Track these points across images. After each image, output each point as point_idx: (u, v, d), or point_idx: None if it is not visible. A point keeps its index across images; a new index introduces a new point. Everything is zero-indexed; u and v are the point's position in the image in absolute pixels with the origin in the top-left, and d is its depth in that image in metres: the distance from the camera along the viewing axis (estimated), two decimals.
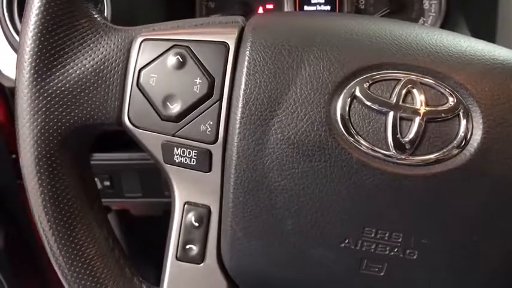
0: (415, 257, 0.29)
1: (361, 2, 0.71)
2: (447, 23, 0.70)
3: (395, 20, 0.32)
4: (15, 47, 0.55)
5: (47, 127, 0.29)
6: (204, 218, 0.31)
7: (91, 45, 0.30)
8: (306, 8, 0.71)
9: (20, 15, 0.55)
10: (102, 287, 0.31)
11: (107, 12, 0.54)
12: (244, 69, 0.28)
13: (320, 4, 0.71)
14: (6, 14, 0.53)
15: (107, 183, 0.69)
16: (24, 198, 1.00)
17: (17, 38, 0.54)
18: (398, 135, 0.27)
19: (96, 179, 0.67)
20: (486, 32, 0.61)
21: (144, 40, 0.30)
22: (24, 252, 0.88)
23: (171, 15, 0.65)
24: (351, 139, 0.28)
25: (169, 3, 0.65)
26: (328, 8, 0.70)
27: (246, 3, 0.71)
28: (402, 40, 0.29)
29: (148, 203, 0.70)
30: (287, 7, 0.70)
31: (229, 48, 0.29)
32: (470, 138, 0.27)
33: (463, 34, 0.66)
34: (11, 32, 0.53)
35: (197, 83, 0.28)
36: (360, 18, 0.31)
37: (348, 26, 0.30)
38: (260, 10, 0.72)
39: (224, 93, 0.29)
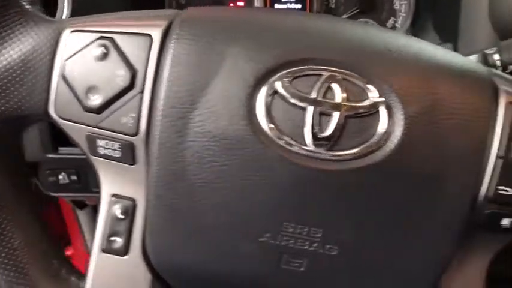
0: (335, 253, 0.28)
1: (332, 1, 0.71)
2: (416, 23, 0.70)
3: (327, 15, 0.32)
4: None
5: None
6: (129, 211, 0.31)
7: (19, 35, 0.29)
8: (276, 6, 0.71)
9: None
10: (26, 277, 0.31)
11: (67, 9, 0.54)
12: (168, 62, 0.28)
13: (291, 2, 0.71)
14: None
15: (74, 177, 0.69)
16: None
17: None
18: (317, 131, 0.27)
19: (63, 173, 0.66)
20: (450, 33, 0.61)
21: (73, 31, 0.29)
22: None
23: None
24: (271, 134, 0.27)
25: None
26: (298, 6, 0.70)
27: (218, 0, 0.71)
28: (326, 35, 0.29)
29: None
30: (257, 4, 0.70)
31: (153, 41, 0.29)
32: (390, 134, 0.27)
33: (430, 35, 0.67)
34: None
35: (119, 74, 0.28)
36: (290, 14, 0.31)
37: (274, 21, 0.29)
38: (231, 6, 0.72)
39: (146, 85, 0.28)
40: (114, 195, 0.31)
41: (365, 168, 0.27)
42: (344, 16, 0.70)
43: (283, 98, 0.27)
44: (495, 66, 0.43)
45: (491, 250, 0.31)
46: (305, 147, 0.27)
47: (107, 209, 0.31)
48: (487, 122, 0.28)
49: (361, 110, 0.27)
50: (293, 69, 0.28)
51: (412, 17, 0.69)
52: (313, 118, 0.27)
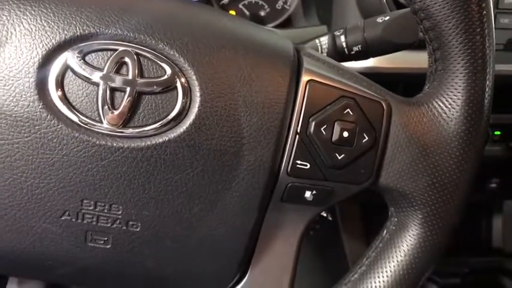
0: (138, 229, 0.29)
1: None
2: (304, 4, 0.71)
3: None
4: None
5: None
6: None
7: None
8: None
9: None
10: None
11: None
12: None
13: None
14: None
15: None
16: None
17: None
18: (108, 107, 0.27)
19: None
20: (327, 15, 0.63)
21: None
22: None
23: None
24: (64, 110, 0.27)
25: None
26: None
27: None
28: (120, 8, 0.28)
29: None
30: None
31: None
32: (188, 111, 0.28)
33: (313, 17, 0.68)
34: None
35: None
36: None
37: None
38: None
39: None
40: None
41: (162, 144, 0.27)
42: None
43: (75, 72, 0.27)
44: (342, 48, 0.45)
45: (301, 220, 0.32)
46: (99, 124, 0.27)
47: None
48: (287, 99, 0.29)
49: (155, 87, 0.27)
50: (86, 43, 0.27)
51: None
52: (104, 94, 0.27)
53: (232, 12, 0.71)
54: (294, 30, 0.62)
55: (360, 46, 0.43)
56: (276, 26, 0.71)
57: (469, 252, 0.91)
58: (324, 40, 0.45)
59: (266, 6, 0.71)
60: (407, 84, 0.57)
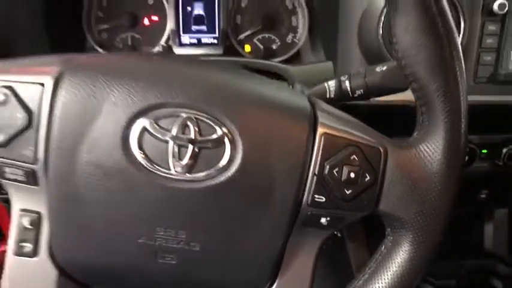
0: (197, 248, 0.38)
1: (238, 17, 0.79)
2: (312, 36, 0.80)
3: (194, 60, 0.40)
4: None
5: None
6: (35, 222, 0.38)
7: None
8: (187, 20, 0.78)
9: None
10: None
11: None
12: (59, 105, 0.35)
13: (200, 17, 0.78)
14: None
15: None
16: None
17: None
18: (176, 159, 0.36)
19: None
20: (332, 53, 0.72)
21: None
22: None
23: (54, 24, 0.69)
24: (142, 162, 0.36)
25: (52, 12, 0.69)
26: (207, 21, 0.78)
27: (134, 14, 0.77)
28: (184, 83, 0.37)
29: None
30: (169, 19, 0.77)
31: (45, 87, 0.36)
32: (233, 160, 0.36)
33: (320, 52, 0.77)
34: None
35: (18, 116, 0.35)
36: (157, 61, 0.39)
37: (143, 70, 0.37)
38: (146, 21, 0.78)
39: (41, 124, 0.35)
40: (22, 210, 0.38)
41: (214, 186, 0.36)
42: (248, 32, 0.79)
43: (150, 133, 0.36)
44: (347, 91, 0.54)
45: (317, 240, 0.41)
46: (169, 172, 0.36)
47: (17, 221, 0.38)
48: (307, 148, 0.38)
49: (210, 143, 0.36)
50: (159, 110, 0.36)
51: (308, 34, 0.80)
52: (173, 150, 0.36)
53: (248, 47, 0.80)
54: (304, 67, 0.71)
55: (362, 90, 0.52)
56: (287, 59, 0.80)
57: (464, 255, 1.00)
58: (332, 84, 0.54)
59: (277, 41, 0.80)
60: None
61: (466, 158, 0.75)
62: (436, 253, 0.41)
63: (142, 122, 0.36)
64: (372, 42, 0.62)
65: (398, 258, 0.40)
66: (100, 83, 0.36)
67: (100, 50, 0.77)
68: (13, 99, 0.35)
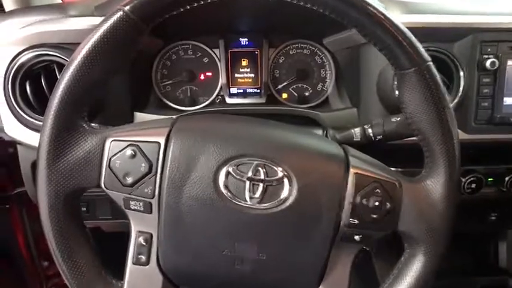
0: (265, 258, 0.52)
1: (276, 72, 0.96)
2: (339, 86, 0.95)
3: (266, 121, 0.56)
4: (16, 116, 0.76)
5: (56, 190, 0.51)
6: (148, 240, 0.53)
7: (81, 143, 0.51)
8: (236, 75, 0.95)
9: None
10: (89, 283, 0.52)
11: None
12: (169, 157, 0.51)
13: (247, 73, 0.95)
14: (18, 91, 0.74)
15: (84, 209, 0.91)
16: (10, 219, 1.22)
17: (20, 111, 0.74)
18: (251, 193, 0.51)
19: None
20: (356, 100, 0.87)
21: (112, 140, 0.52)
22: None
23: (133, 82, 0.86)
24: (227, 195, 0.51)
25: (132, 74, 0.86)
26: (252, 75, 0.95)
27: (191, 71, 0.94)
28: (255, 139, 0.52)
29: (116, 223, 0.93)
30: (221, 75, 0.94)
31: (160, 145, 0.52)
32: (291, 194, 0.51)
33: (346, 100, 0.92)
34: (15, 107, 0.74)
35: (142, 166, 0.51)
36: (240, 122, 0.55)
37: (230, 128, 0.53)
38: (202, 76, 0.95)
39: (158, 171, 0.51)
40: (139, 231, 0.54)
41: (277, 213, 0.51)
42: (285, 83, 0.95)
43: (233, 176, 0.51)
44: (370, 136, 0.69)
45: (352, 252, 0.55)
46: (246, 202, 0.51)
47: (135, 239, 0.54)
48: (343, 184, 0.52)
49: (274, 182, 0.51)
50: (239, 159, 0.51)
51: (335, 83, 0.95)
52: (249, 187, 0.51)
53: (285, 94, 0.96)
54: (332, 114, 0.86)
55: (381, 136, 0.67)
56: (317, 104, 0.96)
57: (479, 272, 1.11)
58: (357, 130, 0.70)
59: (310, 89, 0.96)
60: None
61: (474, 185, 0.88)
62: (441, 261, 0.54)
63: (227, 168, 0.51)
64: (388, 95, 0.77)
65: (414, 266, 0.54)
66: (197, 142, 0.52)
67: (165, 100, 0.94)
68: (139, 154, 0.51)
